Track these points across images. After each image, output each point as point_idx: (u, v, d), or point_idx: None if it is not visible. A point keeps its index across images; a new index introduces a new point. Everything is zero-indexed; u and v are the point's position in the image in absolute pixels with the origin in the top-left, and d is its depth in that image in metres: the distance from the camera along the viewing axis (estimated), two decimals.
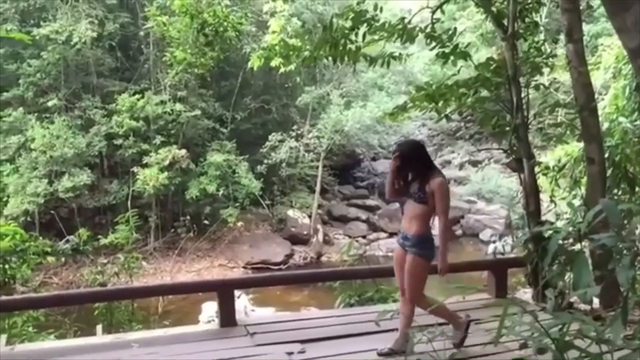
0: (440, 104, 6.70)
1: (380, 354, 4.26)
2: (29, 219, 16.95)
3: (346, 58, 6.66)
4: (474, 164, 26.94)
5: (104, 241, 14.54)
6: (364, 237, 22.94)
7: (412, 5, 6.64)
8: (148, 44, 18.86)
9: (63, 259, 8.55)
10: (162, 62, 18.28)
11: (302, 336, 4.57)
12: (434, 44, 6.37)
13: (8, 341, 4.70)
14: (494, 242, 19.63)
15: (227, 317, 4.78)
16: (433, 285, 4.57)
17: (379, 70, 21.82)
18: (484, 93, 6.49)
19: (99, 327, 4.64)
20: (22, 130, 17.25)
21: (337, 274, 5.71)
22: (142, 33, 18.61)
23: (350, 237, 22.82)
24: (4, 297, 4.68)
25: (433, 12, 6.28)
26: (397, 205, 19.76)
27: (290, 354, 4.23)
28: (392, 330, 4.52)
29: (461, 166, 28.54)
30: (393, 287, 5.84)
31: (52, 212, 16.65)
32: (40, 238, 8.98)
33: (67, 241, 9.50)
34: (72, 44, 16.88)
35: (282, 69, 7.42)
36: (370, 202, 25.14)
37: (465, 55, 6.37)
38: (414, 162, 4.34)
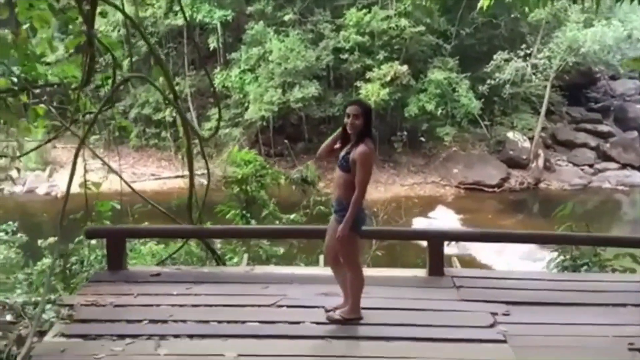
0: None
1: (329, 319, 4.19)
2: (264, 123, 18.89)
3: None
4: None
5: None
6: (590, 165, 21.29)
7: None
8: None
9: (294, 187, 9.50)
10: None
11: (508, 297, 4.61)
12: None
13: (248, 262, 5.58)
14: None
15: (436, 266, 5.04)
16: None
17: None
18: None
19: (321, 258, 5.22)
20: (261, 42, 18.82)
21: (553, 238, 5.51)
22: None
23: (574, 164, 21.37)
24: (250, 226, 5.50)
25: None
26: (635, 133, 17.74)
27: (494, 314, 4.32)
28: (609, 304, 4.34)
29: None
30: (612, 253, 5.53)
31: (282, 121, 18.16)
32: (275, 166, 10.06)
33: (299, 171, 10.48)
34: None
35: None
36: (603, 127, 22.92)
37: None
38: (362, 127, 3.96)
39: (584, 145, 22.05)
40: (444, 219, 16.62)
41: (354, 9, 18.37)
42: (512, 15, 20.31)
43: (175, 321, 4.23)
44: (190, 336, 4.03)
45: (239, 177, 6.75)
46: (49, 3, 4.89)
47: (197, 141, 6.12)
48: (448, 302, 4.60)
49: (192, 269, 5.36)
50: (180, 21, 18.77)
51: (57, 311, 4.36)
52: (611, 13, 19.45)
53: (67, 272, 5.66)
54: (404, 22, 18.02)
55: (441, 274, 5.04)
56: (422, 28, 18.34)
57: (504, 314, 4.36)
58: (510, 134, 20.40)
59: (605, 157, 21.56)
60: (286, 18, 18.72)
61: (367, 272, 4.75)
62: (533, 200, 19.72)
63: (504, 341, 3.97)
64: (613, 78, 26.23)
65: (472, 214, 17.52)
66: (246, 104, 19.19)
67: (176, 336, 4.03)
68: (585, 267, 5.33)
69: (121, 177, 5.42)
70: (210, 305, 4.47)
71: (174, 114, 20.05)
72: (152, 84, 6.55)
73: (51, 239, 6.32)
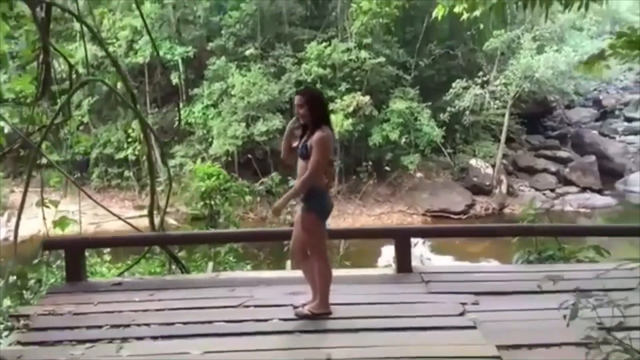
0: None
1: (298, 315, 4.15)
2: (229, 159, 18.82)
3: (538, 1, 6.26)
4: None
5: (292, 182, 15.69)
6: (552, 190, 21.70)
7: None
8: None
9: (258, 198, 9.44)
10: (348, 10, 18.65)
11: (477, 288, 4.62)
12: None
13: (214, 268, 5.46)
14: None
15: (404, 263, 5.01)
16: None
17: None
18: None
19: (288, 262, 5.14)
20: (224, 77, 18.91)
21: (515, 230, 5.58)
22: None
23: (536, 189, 21.76)
24: (212, 231, 5.40)
25: None
26: (593, 157, 18.29)
27: (463, 304, 4.32)
28: (569, 291, 4.37)
29: None
30: (577, 246, 5.59)
31: (249, 155, 18.12)
32: (240, 179, 10.02)
33: (262, 183, 10.44)
34: None
35: (465, 16, 7.18)
36: (562, 153, 23.51)
37: None
38: (312, 114, 4.00)
39: (545, 170, 22.52)
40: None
41: (314, 43, 18.68)
42: (469, 48, 21.02)
43: (138, 325, 4.09)
44: (154, 337, 3.90)
45: (203, 190, 6.66)
46: (2, 12, 4.82)
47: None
48: (417, 294, 4.57)
49: (155, 277, 5.21)
50: (140, 59, 18.80)
51: (11, 326, 4.18)
52: (562, 42, 20.25)
53: (23, 293, 5.42)
54: (364, 54, 18.40)
55: (409, 270, 5.02)
56: (382, 59, 18.72)
57: (473, 304, 4.36)
58: (473, 161, 20.73)
59: (566, 181, 22.04)
60: (247, 53, 18.91)
61: (336, 272, 4.70)
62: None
63: (474, 327, 3.98)
64: (568, 107, 27.18)
65: (440, 241, 17.58)
66: (210, 139, 19.13)
67: (139, 339, 3.90)
68: (549, 260, 5.37)
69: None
70: (175, 309, 4.33)
71: (136, 152, 19.92)
72: (110, 86, 6.46)
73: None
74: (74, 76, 5.11)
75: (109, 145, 20.61)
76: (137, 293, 4.65)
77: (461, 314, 4.19)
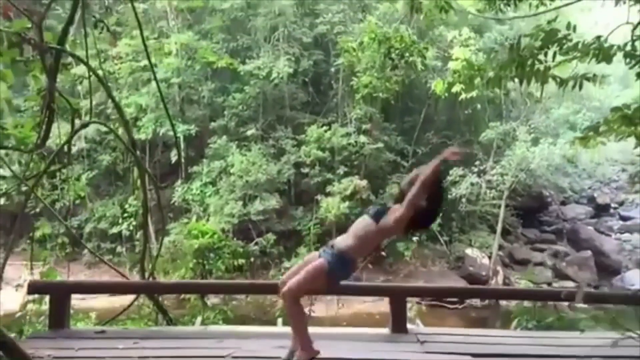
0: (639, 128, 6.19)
1: None
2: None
3: (533, 79, 6.46)
4: None
5: (286, 264, 15.53)
6: (548, 284, 21.40)
7: (609, 21, 6.24)
8: (337, 79, 19.99)
9: (252, 259, 9.28)
10: (349, 97, 19.25)
11: (474, 350, 4.43)
12: (633, 62, 5.95)
13: (202, 323, 5.28)
14: None
15: (399, 323, 4.85)
16: None
17: (572, 106, 20.57)
18: None
19: (280, 320, 4.98)
20: (224, 156, 19.17)
21: (518, 294, 5.44)
22: (332, 69, 19.83)
23: (533, 282, 21.49)
24: (202, 281, 5.25)
25: (634, 28, 5.89)
26: (589, 253, 18.25)
27: None
28: (570, 356, 4.24)
29: None
30: (577, 316, 5.45)
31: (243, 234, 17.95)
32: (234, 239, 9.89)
33: (256, 243, 10.32)
34: (271, 79, 18.59)
35: (463, 96, 7.40)
36: (558, 247, 23.50)
37: None
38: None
39: (541, 264, 22.36)
40: None
41: (314, 126, 19.11)
42: (466, 139, 21.51)
43: None
44: None
45: (196, 247, 6.53)
46: (12, 57, 4.93)
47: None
48: (412, 353, 4.38)
49: (140, 328, 5.01)
50: (143, 136, 19.11)
51: None
52: (557, 136, 20.74)
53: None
54: (363, 138, 18.77)
55: (404, 331, 4.84)
56: (380, 145, 19.07)
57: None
58: (469, 251, 20.61)
59: (562, 275, 21.81)
60: (249, 133, 19.29)
61: (329, 330, 4.57)
62: (495, 316, 19.51)
63: None
64: (563, 203, 27.45)
65: (434, 321, 17.19)
66: (206, 217, 19.08)
67: None
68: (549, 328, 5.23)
69: None
70: (159, 357, 4.13)
71: (131, 228, 19.79)
72: (111, 130, 6.49)
73: None
74: (76, 122, 5.16)
75: (103, 220, 20.49)
76: (121, 341, 4.45)
77: None
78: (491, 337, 4.88)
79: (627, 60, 6.11)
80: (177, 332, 4.87)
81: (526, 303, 5.81)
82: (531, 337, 4.91)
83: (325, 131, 18.92)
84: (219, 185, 19.15)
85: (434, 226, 19.42)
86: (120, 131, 6.52)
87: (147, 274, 4.95)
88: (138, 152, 20.50)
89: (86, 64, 4.97)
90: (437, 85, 7.42)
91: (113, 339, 4.53)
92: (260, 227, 18.92)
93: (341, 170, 18.90)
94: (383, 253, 19.88)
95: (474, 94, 9.19)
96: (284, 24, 19.53)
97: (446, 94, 7.50)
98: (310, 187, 19.35)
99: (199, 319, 5.34)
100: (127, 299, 6.01)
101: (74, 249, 20.23)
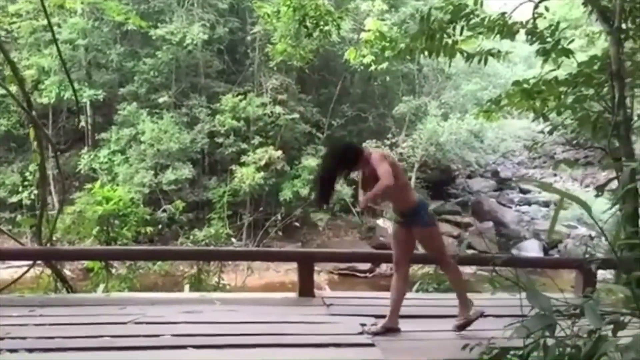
0: (537, 103, 6.54)
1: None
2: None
3: (442, 53, 6.65)
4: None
5: (198, 234, 15.25)
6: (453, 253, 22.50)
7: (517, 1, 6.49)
8: (254, 48, 19.65)
9: (161, 227, 9.05)
10: (265, 66, 19.02)
11: (377, 312, 4.58)
12: (534, 39, 6.26)
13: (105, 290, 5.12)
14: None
15: (306, 287, 4.93)
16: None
17: (480, 83, 21.40)
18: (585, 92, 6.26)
19: (187, 286, 4.93)
20: (134, 123, 18.46)
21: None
22: (249, 38, 19.49)
23: None
24: (105, 247, 5.09)
25: (535, 7, 6.17)
26: (490, 224, 19.19)
27: (363, 325, 4.29)
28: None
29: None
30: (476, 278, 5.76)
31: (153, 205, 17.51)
32: (142, 206, 9.59)
33: (164, 211, 10.07)
34: (184, 45, 17.97)
35: (374, 66, 7.47)
36: (463, 219, 24.64)
37: (567, 52, 6.19)
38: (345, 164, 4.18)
39: (447, 234, 23.38)
40: None
41: (229, 95, 18.78)
42: (379, 112, 21.91)
43: (12, 338, 3.71)
44: (30, 350, 3.54)
45: (100, 214, 6.30)
46: None
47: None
48: (318, 316, 4.50)
49: (37, 295, 4.80)
50: (45, 100, 18.02)
51: None
52: (465, 111, 21.56)
53: None
54: (278, 109, 18.67)
55: (312, 295, 4.93)
56: (296, 116, 19.06)
57: (373, 325, 4.33)
58: (380, 221, 21.16)
59: (466, 244, 22.94)
60: (160, 100, 18.65)
61: (236, 295, 4.57)
62: None
63: (373, 345, 3.95)
64: (469, 177, 28.78)
65: (345, 287, 17.63)
66: (115, 186, 18.38)
67: (12, 351, 3.52)
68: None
69: None
70: (57, 324, 3.99)
71: (32, 197, 18.76)
72: (7, 90, 6.07)
73: None
74: None
75: (2, 188, 19.30)
76: (16, 309, 4.25)
77: (360, 333, 4.15)
78: None
79: (529, 37, 6.42)
80: (76, 300, 4.70)
81: (427, 268, 6.06)
82: (429, 298, 5.14)
83: (241, 100, 18.63)
84: (128, 154, 18.47)
85: (347, 197, 19.79)
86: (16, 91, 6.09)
87: (44, 241, 4.72)
88: (40, 118, 19.43)
89: None
90: (350, 54, 7.50)
91: (7, 307, 4.31)
92: (172, 197, 18.45)
93: (256, 140, 18.75)
94: (296, 223, 20.07)
95: (386, 67, 9.34)
96: None
97: (361, 67, 7.60)
98: (224, 157, 19.09)
99: (102, 286, 5.18)
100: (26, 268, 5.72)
101: None
